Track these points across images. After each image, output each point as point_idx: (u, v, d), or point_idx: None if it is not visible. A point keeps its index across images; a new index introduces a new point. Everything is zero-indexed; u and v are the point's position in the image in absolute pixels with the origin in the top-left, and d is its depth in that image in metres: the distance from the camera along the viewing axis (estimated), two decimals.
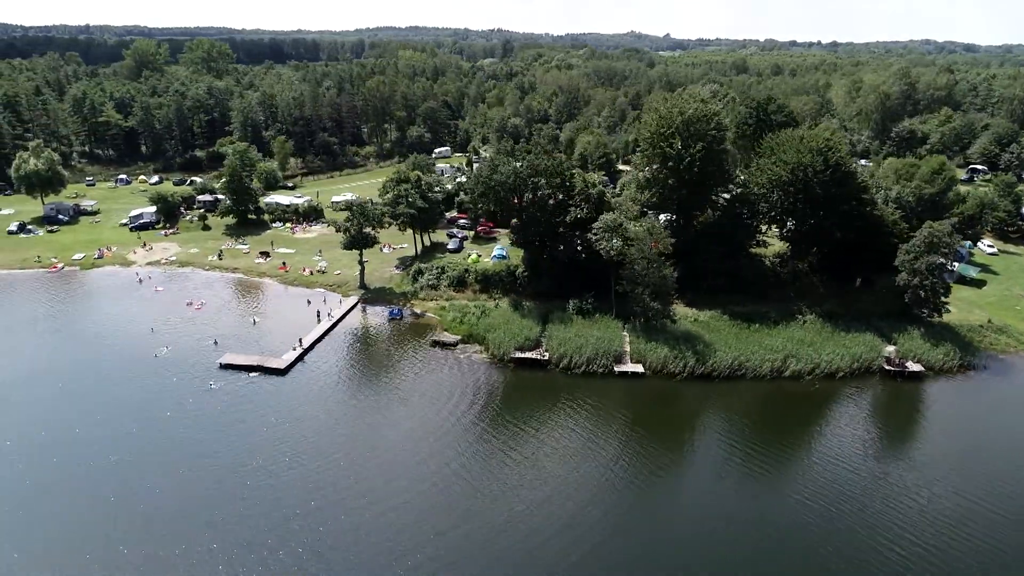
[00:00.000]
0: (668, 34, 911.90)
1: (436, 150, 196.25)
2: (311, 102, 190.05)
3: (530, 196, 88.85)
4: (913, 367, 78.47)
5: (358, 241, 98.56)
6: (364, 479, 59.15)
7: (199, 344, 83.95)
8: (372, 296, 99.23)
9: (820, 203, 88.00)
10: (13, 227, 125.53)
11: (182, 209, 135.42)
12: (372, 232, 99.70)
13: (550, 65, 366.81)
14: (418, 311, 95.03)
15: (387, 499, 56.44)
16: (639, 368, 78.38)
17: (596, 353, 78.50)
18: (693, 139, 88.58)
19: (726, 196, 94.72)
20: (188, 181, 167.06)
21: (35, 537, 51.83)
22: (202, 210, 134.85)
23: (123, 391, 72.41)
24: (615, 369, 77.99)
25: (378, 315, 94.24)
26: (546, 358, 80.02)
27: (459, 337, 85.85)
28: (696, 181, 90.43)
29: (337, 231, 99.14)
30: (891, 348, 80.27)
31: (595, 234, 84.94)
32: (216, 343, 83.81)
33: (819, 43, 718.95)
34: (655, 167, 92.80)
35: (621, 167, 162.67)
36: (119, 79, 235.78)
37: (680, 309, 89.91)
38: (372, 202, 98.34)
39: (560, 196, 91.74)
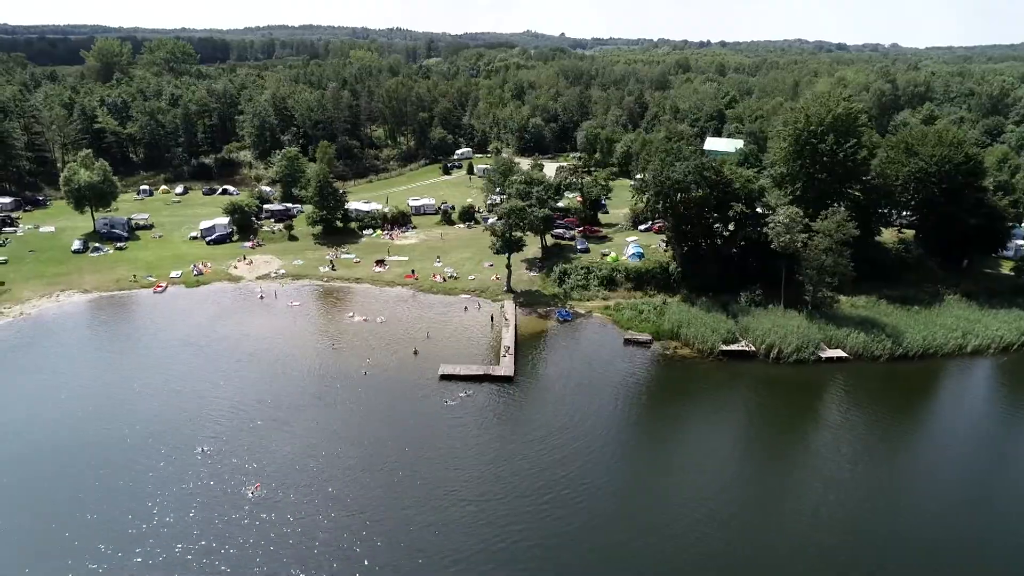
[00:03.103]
0: (563, 33, 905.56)
1: (457, 152, 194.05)
2: (333, 105, 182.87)
3: (698, 194, 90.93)
4: None
5: (510, 245, 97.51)
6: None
7: (395, 356, 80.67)
8: (524, 299, 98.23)
9: (957, 192, 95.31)
10: (77, 245, 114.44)
11: (254, 220, 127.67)
12: (521, 236, 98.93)
13: (497, 64, 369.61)
14: (582, 311, 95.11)
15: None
16: (840, 353, 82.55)
17: (803, 341, 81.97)
18: (844, 135, 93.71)
19: (860, 188, 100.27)
20: (220, 190, 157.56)
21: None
22: (279, 219, 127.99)
23: (373, 415, 68.42)
24: (821, 356, 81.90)
25: (545, 317, 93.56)
26: (753, 349, 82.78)
27: (649, 335, 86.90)
28: (843, 175, 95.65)
29: (492, 235, 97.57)
30: None
31: (773, 228, 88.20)
32: (416, 352, 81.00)
33: (709, 42, 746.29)
34: (800, 162, 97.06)
35: None
36: (88, 82, 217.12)
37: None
38: (527, 206, 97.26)
39: (717, 193, 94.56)
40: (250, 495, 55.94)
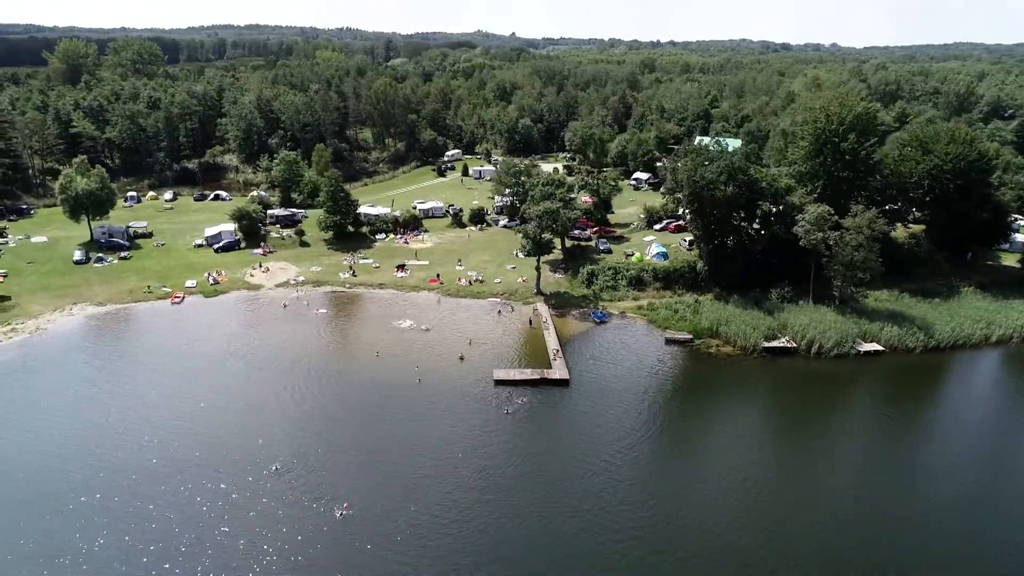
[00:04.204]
0: (514, 33, 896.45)
1: (448, 153, 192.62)
2: (321, 107, 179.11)
3: (726, 193, 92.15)
4: None
5: (541, 247, 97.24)
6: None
7: (442, 363, 79.45)
8: (555, 301, 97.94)
9: (970, 188, 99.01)
10: (79, 255, 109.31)
11: (261, 225, 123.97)
12: (551, 238, 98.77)
13: (464, 64, 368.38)
14: (615, 312, 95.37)
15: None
16: (877, 347, 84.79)
17: (841, 336, 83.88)
18: (864, 134, 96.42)
19: (877, 185, 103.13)
20: (212, 196, 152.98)
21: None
22: (285, 225, 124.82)
23: (440, 426, 66.67)
24: (859, 350, 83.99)
25: (579, 319, 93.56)
26: (794, 345, 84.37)
27: (690, 334, 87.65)
28: (863, 172, 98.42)
29: (525, 238, 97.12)
30: None
31: (803, 226, 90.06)
32: (462, 358, 79.99)
33: (660, 42, 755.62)
34: (819, 160, 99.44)
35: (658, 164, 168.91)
36: (56, 84, 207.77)
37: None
38: (562, 209, 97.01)
39: (744, 191, 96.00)
40: (339, 515, 54.17)
